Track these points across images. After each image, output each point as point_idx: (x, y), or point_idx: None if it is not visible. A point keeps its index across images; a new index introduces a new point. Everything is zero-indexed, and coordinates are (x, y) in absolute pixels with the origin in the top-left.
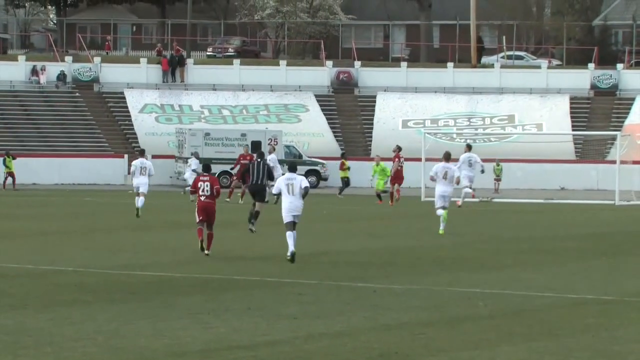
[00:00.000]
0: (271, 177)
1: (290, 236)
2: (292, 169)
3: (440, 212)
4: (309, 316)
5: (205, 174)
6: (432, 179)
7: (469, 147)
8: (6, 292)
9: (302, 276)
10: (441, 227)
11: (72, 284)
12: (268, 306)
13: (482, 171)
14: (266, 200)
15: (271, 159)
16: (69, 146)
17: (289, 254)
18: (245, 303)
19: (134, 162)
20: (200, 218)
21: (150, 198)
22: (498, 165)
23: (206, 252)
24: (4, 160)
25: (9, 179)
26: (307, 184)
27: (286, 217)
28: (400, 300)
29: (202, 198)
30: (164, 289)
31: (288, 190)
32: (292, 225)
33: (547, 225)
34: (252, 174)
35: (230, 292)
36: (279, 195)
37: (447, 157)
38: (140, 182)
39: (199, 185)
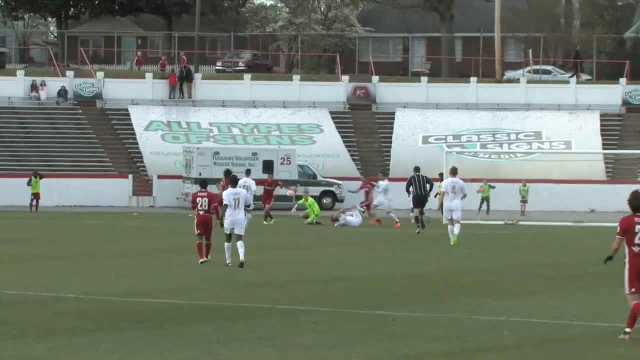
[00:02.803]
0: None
1: (228, 248)
2: (235, 183)
3: (450, 227)
4: (324, 346)
5: (203, 189)
6: (444, 194)
7: (453, 172)
8: (4, 320)
9: (316, 303)
10: (451, 239)
11: (73, 311)
12: (280, 335)
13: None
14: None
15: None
16: (70, 166)
17: (228, 262)
18: (256, 332)
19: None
20: (199, 232)
21: (157, 221)
22: (524, 186)
23: (204, 259)
24: (29, 181)
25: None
26: (251, 202)
27: (228, 229)
28: (420, 329)
29: (201, 212)
30: (171, 317)
31: (235, 204)
32: (236, 237)
33: (575, 249)
34: (415, 186)
35: (240, 320)
36: (225, 206)
37: (454, 172)
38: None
39: (198, 201)
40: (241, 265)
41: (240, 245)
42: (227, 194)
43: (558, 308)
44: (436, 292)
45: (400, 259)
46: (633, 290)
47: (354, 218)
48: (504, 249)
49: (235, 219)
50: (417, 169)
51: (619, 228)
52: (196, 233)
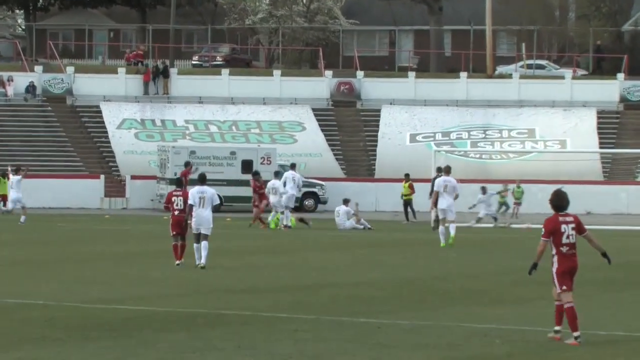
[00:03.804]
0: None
1: (198, 249)
2: (203, 181)
3: (441, 228)
4: (306, 356)
5: (178, 189)
6: (437, 194)
7: (447, 171)
8: None
9: (298, 311)
10: (442, 240)
11: (42, 319)
12: (260, 344)
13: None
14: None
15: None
16: (38, 166)
17: (198, 263)
18: (234, 341)
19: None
20: (174, 232)
21: (130, 223)
22: (519, 187)
23: (178, 262)
24: None
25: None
26: (219, 201)
27: (195, 229)
28: (407, 338)
29: (176, 212)
30: (144, 325)
31: (200, 203)
32: (200, 237)
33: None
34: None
35: (217, 328)
36: (219, 205)
37: (448, 171)
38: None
39: (173, 200)
40: (202, 268)
41: (204, 247)
42: (193, 193)
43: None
44: (424, 299)
45: (387, 264)
46: (564, 288)
47: (349, 222)
48: (496, 253)
49: (201, 218)
50: (439, 170)
51: (543, 230)
52: (172, 234)
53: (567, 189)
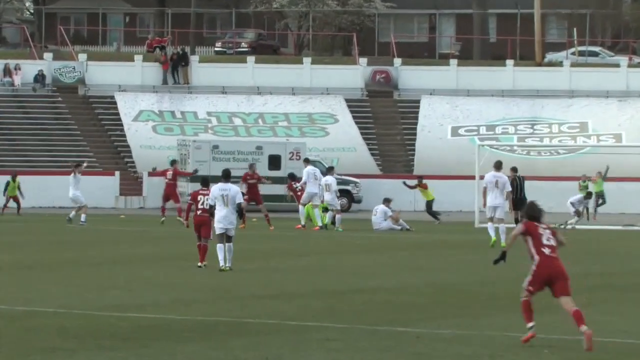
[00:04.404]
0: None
1: (221, 249)
2: (226, 177)
3: (490, 225)
4: None
5: (204, 188)
6: (485, 190)
7: (497, 166)
8: None
9: (329, 319)
10: (492, 236)
11: (53, 327)
12: (288, 355)
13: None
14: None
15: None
16: (49, 161)
17: (221, 266)
18: (259, 352)
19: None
20: (198, 233)
21: (148, 224)
22: (584, 182)
23: (200, 264)
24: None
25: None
26: (242, 200)
27: (218, 229)
28: (448, 348)
29: (199, 212)
30: (162, 334)
31: (223, 201)
32: (225, 238)
33: (626, 257)
34: (514, 189)
35: (241, 338)
36: (213, 206)
37: (498, 166)
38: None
39: (199, 199)
40: (230, 269)
41: (229, 249)
42: (215, 191)
43: (605, 323)
44: (466, 306)
45: (426, 268)
46: (531, 289)
47: (386, 222)
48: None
49: (224, 218)
50: (515, 170)
51: (521, 227)
52: (197, 234)
53: (622, 187)
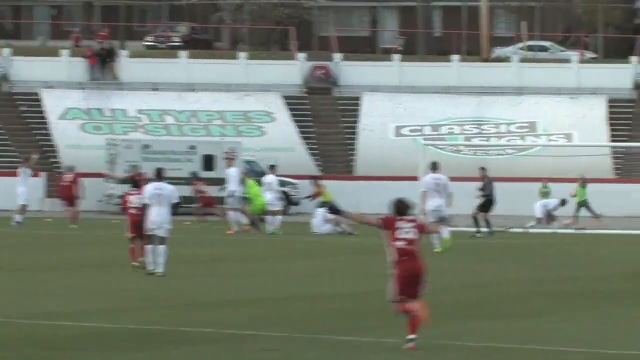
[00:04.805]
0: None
1: (150, 250)
2: (160, 176)
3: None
4: None
5: (135, 188)
6: (424, 195)
7: (434, 167)
8: None
9: (268, 327)
10: (437, 245)
11: None
12: None
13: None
14: None
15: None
16: None
17: (152, 269)
18: None
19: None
20: (133, 235)
21: (76, 229)
22: (545, 187)
23: (134, 263)
24: None
25: None
26: (177, 199)
27: (151, 230)
28: (394, 358)
29: (134, 211)
30: (92, 344)
31: (158, 200)
32: (157, 240)
33: (578, 262)
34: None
35: (179, 347)
36: (146, 205)
37: (435, 168)
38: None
39: (131, 200)
40: (162, 275)
41: (161, 252)
42: (149, 190)
43: (558, 332)
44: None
45: (369, 273)
46: (402, 297)
47: (327, 225)
48: (496, 261)
49: (157, 218)
50: (484, 169)
51: (380, 221)
52: (129, 236)
53: (574, 188)
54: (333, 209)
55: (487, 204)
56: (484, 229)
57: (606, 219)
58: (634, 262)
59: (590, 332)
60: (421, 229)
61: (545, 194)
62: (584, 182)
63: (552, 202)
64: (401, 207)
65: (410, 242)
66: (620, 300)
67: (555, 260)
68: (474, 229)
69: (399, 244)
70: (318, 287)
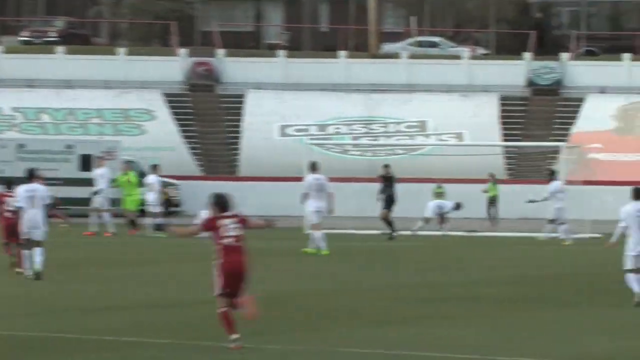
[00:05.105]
0: None
1: (27, 255)
2: (32, 177)
3: (318, 234)
4: None
5: (9, 190)
6: (306, 195)
7: (313, 168)
8: None
9: (150, 334)
10: (322, 246)
11: None
12: None
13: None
14: None
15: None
16: None
17: (29, 274)
18: None
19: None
20: (9, 240)
21: None
22: (439, 187)
23: (19, 270)
24: None
25: None
26: (51, 200)
27: (26, 234)
28: None
29: (9, 215)
30: None
31: (30, 203)
32: (33, 243)
33: (466, 265)
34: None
35: (52, 356)
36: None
37: (315, 168)
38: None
39: (4, 201)
40: (37, 276)
41: (38, 253)
42: (20, 192)
43: (444, 338)
44: (295, 319)
45: (255, 278)
46: (227, 290)
47: None
48: (382, 264)
49: (32, 221)
50: (387, 166)
51: (201, 225)
52: (4, 241)
53: (465, 189)
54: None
55: (389, 202)
56: (387, 231)
57: (499, 221)
58: (524, 265)
59: (478, 338)
60: (244, 223)
61: (439, 195)
62: (494, 181)
63: (448, 204)
64: (221, 203)
65: (237, 238)
66: (508, 304)
67: (441, 264)
68: (387, 231)
69: (227, 241)
70: (200, 292)
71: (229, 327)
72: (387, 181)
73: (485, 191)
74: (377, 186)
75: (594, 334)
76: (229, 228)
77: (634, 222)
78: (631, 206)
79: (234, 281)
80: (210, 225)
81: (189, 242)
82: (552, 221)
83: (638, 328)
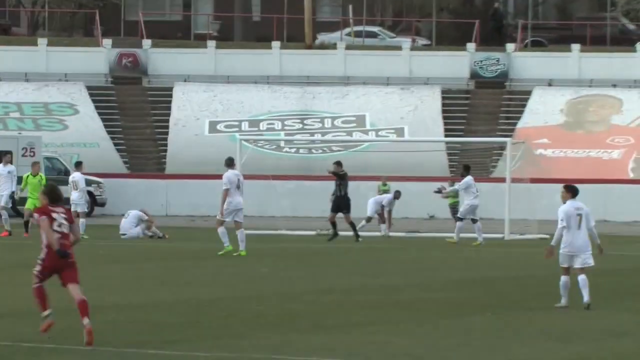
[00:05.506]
0: None
1: None
2: None
3: (223, 231)
4: None
5: None
6: (226, 192)
7: (229, 163)
8: None
9: (69, 340)
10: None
11: None
12: None
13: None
14: None
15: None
16: None
17: None
18: None
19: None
20: None
21: None
22: (385, 184)
23: None
24: None
25: None
26: None
27: None
28: None
29: None
30: None
31: None
32: None
33: (408, 268)
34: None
35: None
36: None
37: (232, 163)
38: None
39: None
40: None
41: None
42: None
43: (388, 345)
44: (227, 325)
45: (181, 282)
46: (41, 276)
47: (136, 228)
48: (317, 267)
49: None
50: (339, 164)
51: (37, 217)
52: None
53: (406, 187)
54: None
55: (340, 203)
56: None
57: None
58: (469, 268)
59: (419, 345)
60: (71, 221)
61: (385, 192)
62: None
63: (386, 197)
64: (53, 194)
65: (64, 236)
66: (455, 309)
67: (381, 267)
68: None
69: (55, 236)
70: (124, 296)
71: (41, 303)
72: (340, 179)
73: (446, 197)
74: (311, 184)
75: (529, 339)
76: (59, 223)
77: (574, 221)
78: (569, 205)
79: (52, 271)
80: (45, 211)
81: (108, 244)
82: (458, 218)
83: (571, 333)
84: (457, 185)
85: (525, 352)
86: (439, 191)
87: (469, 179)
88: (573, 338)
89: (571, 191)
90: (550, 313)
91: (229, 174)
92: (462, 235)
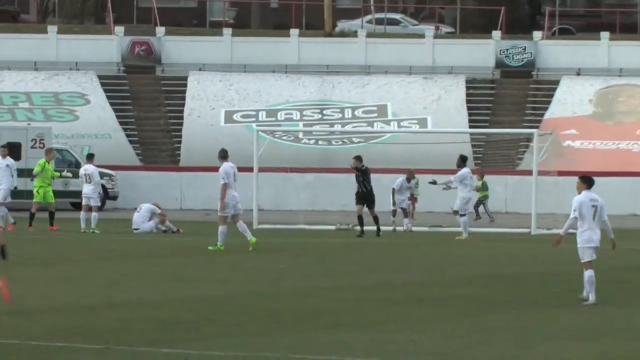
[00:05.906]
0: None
1: None
2: None
3: (242, 225)
4: None
5: None
6: (225, 186)
7: (223, 156)
8: None
9: (80, 338)
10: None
11: None
12: None
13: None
14: None
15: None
16: None
17: None
18: None
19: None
20: None
21: None
22: (413, 177)
23: None
24: None
25: None
26: None
27: None
28: None
29: None
30: None
31: None
32: None
33: (432, 264)
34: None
35: None
36: None
37: (226, 155)
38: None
39: None
40: None
41: None
42: None
43: (409, 343)
44: (243, 322)
45: (196, 278)
46: None
47: (149, 222)
48: (336, 263)
49: None
50: (359, 158)
51: None
52: None
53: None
54: None
55: (363, 196)
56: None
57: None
58: (493, 264)
59: (444, 344)
60: None
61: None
62: (482, 174)
63: (398, 180)
64: None
65: None
66: (478, 307)
67: (403, 262)
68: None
69: None
70: (136, 293)
71: None
72: (362, 174)
73: (478, 190)
74: (330, 177)
75: (553, 338)
76: None
77: (588, 213)
78: (584, 195)
79: None
80: None
81: (121, 239)
82: (456, 212)
83: (597, 331)
84: (452, 177)
85: (550, 350)
86: (434, 182)
87: (465, 170)
88: (600, 337)
89: (586, 182)
90: (577, 310)
91: (226, 166)
92: (471, 229)
